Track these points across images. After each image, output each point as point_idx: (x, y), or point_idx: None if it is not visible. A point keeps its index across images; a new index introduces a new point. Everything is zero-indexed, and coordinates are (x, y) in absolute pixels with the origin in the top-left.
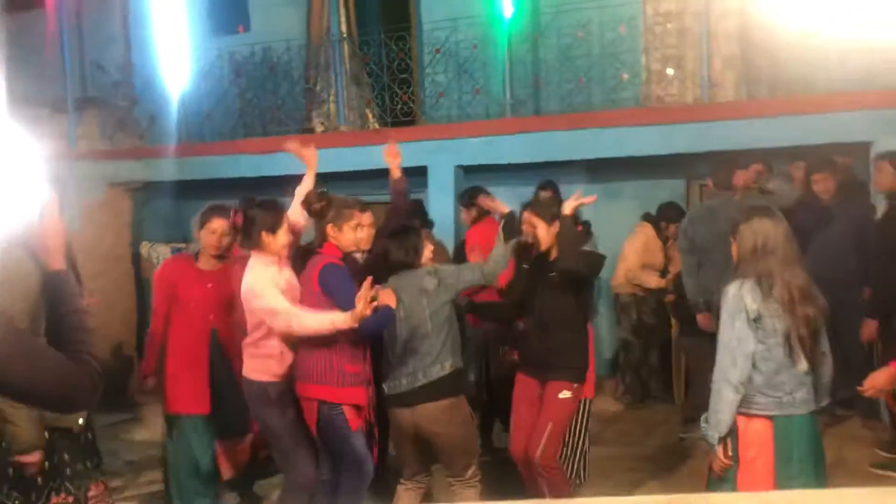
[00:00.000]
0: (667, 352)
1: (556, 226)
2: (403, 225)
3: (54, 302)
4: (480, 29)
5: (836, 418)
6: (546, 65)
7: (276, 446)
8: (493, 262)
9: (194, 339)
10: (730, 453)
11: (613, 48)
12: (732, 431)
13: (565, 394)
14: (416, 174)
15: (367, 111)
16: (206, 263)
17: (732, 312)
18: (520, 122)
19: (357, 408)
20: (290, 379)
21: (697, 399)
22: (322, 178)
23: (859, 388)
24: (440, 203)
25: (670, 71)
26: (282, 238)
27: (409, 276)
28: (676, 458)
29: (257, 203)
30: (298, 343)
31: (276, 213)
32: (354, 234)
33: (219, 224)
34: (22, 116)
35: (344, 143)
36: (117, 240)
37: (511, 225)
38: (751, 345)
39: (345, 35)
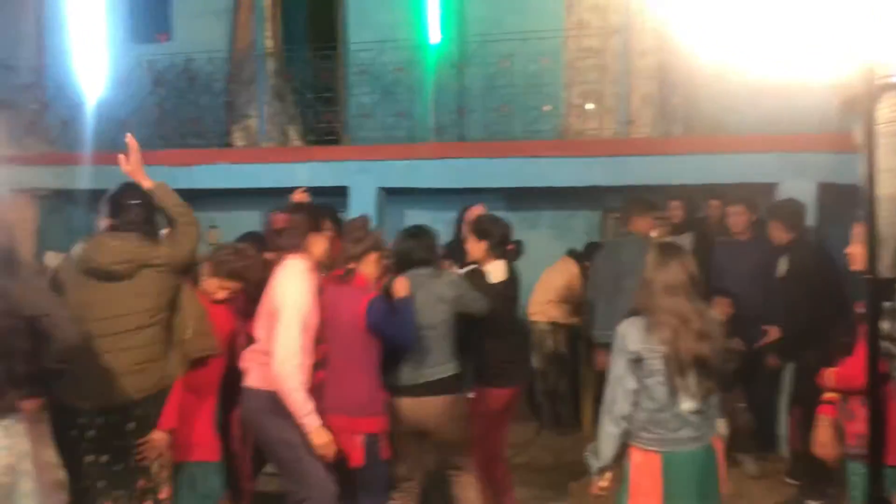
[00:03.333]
0: (576, 380)
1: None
2: (417, 226)
3: None
4: (407, 52)
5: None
6: (470, 92)
7: (291, 464)
8: None
9: None
10: (604, 483)
11: (536, 80)
12: (628, 462)
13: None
14: (338, 194)
15: (290, 128)
16: None
17: (617, 351)
18: (443, 148)
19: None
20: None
21: None
22: (240, 194)
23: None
24: None
25: (590, 105)
26: (321, 243)
27: (426, 277)
28: (585, 483)
29: (302, 205)
30: (333, 372)
31: (320, 217)
32: (376, 266)
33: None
34: None
35: (264, 160)
36: (21, 248)
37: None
38: (631, 383)
39: (270, 50)
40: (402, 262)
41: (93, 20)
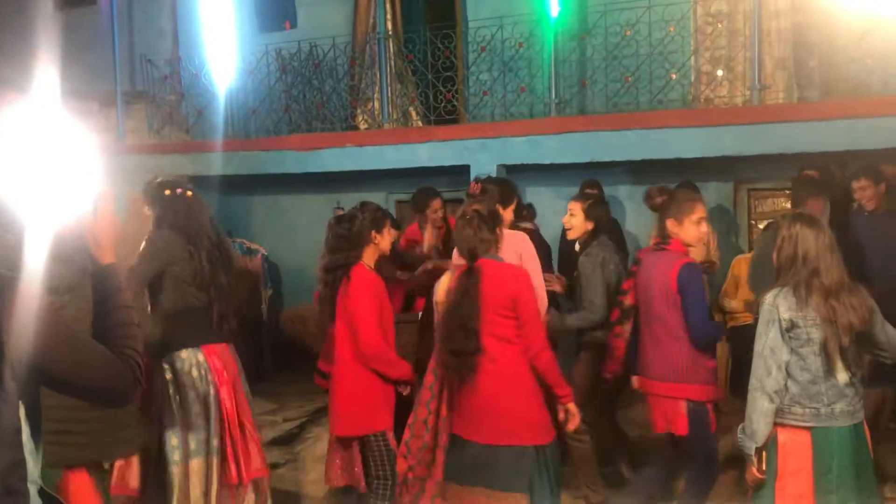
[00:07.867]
0: None
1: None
2: None
3: (102, 296)
4: (526, 27)
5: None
6: (592, 64)
7: None
8: None
9: None
10: (764, 466)
11: (662, 48)
12: (772, 442)
13: None
14: (459, 173)
15: (411, 109)
16: None
17: (767, 321)
18: (564, 122)
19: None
20: None
21: None
22: (364, 176)
23: None
24: None
25: (720, 72)
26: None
27: None
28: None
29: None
30: (653, 340)
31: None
32: (697, 228)
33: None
34: (72, 110)
35: (387, 141)
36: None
37: None
38: (784, 354)
39: (390, 32)
40: None
41: (222, 13)
